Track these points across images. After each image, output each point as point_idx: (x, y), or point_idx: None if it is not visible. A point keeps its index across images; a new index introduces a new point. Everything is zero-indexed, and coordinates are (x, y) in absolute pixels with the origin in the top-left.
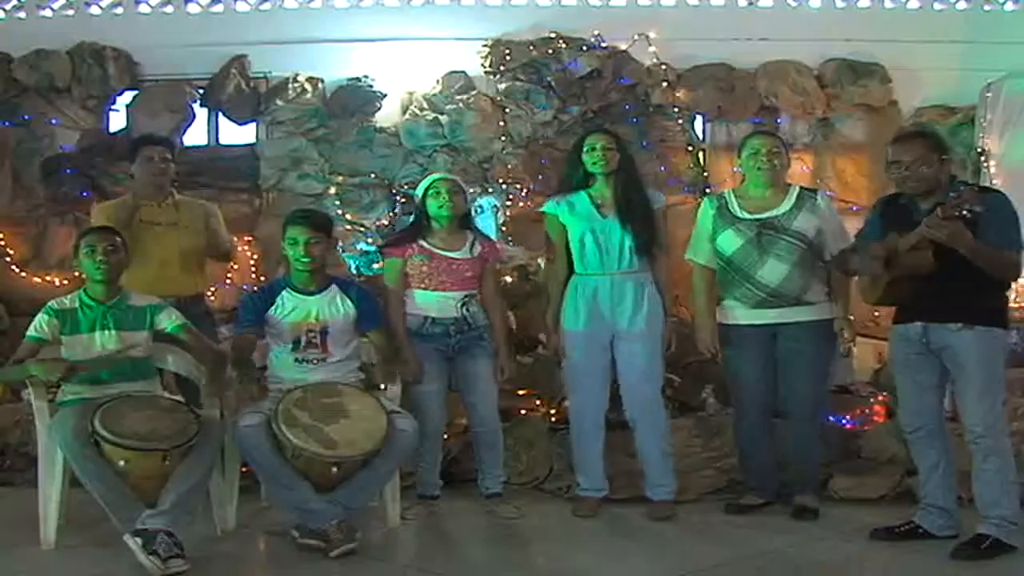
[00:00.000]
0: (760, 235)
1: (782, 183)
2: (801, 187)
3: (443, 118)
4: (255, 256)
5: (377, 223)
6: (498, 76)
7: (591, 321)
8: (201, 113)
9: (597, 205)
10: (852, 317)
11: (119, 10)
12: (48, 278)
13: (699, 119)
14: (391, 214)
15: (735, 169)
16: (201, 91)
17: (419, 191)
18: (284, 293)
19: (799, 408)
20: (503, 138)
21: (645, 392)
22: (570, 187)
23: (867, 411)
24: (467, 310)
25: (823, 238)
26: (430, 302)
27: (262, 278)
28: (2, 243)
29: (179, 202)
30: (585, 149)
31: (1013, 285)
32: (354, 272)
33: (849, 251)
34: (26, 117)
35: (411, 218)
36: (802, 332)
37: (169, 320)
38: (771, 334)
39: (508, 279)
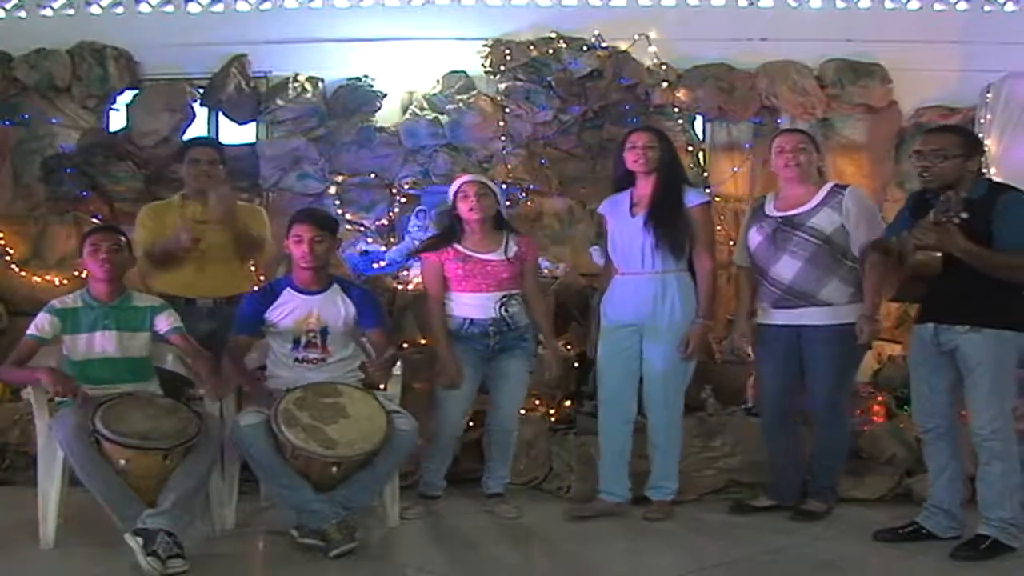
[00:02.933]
0: (776, 231)
1: (814, 180)
2: (835, 184)
3: (443, 118)
4: None
5: (377, 223)
6: (498, 76)
7: (617, 321)
8: (201, 113)
9: (633, 204)
10: (879, 318)
11: (119, 9)
12: (48, 277)
13: (699, 119)
14: (391, 214)
15: (735, 169)
16: (201, 91)
17: (449, 194)
18: (285, 293)
19: (817, 412)
20: (503, 138)
21: (658, 393)
22: (616, 185)
23: (867, 411)
24: (506, 311)
25: (846, 236)
26: (468, 304)
27: (261, 278)
28: (2, 242)
29: None
30: (627, 146)
31: None
32: (353, 272)
33: (869, 245)
34: (26, 117)
35: (411, 218)
36: (821, 335)
37: (166, 323)
38: (796, 335)
39: None
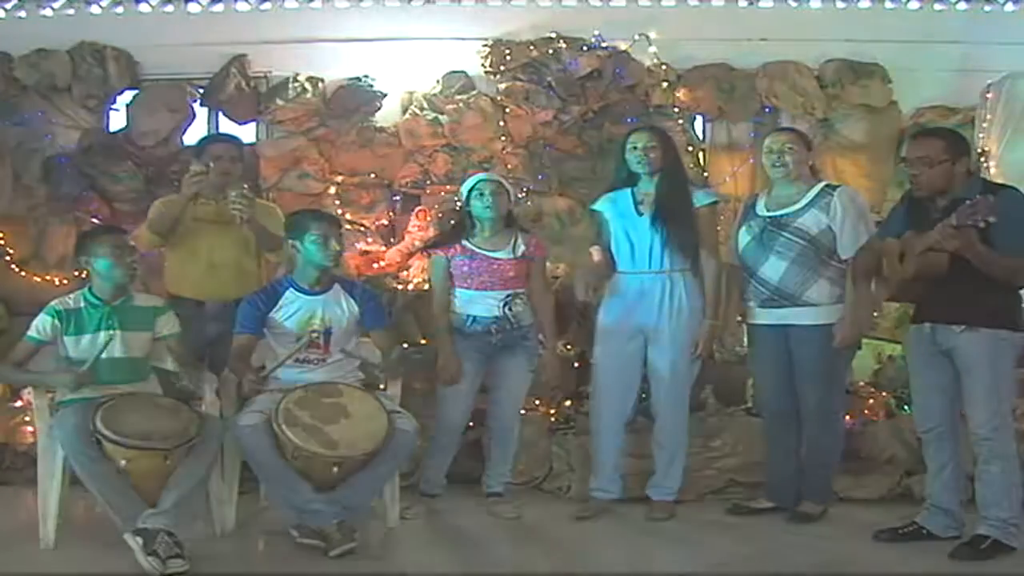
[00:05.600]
0: (764, 232)
1: (805, 179)
2: (826, 184)
3: (443, 118)
4: None
5: (377, 223)
6: (498, 76)
7: (620, 320)
8: (201, 112)
9: (637, 203)
10: (878, 313)
11: (119, 9)
12: (48, 278)
13: (699, 119)
14: (391, 214)
15: (735, 169)
16: (201, 91)
17: (463, 192)
18: (288, 294)
19: (806, 412)
20: (503, 138)
21: (666, 394)
22: (616, 184)
23: (867, 411)
24: (509, 309)
25: (832, 237)
26: (472, 301)
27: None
28: (2, 243)
29: None
30: (628, 147)
31: None
32: (353, 272)
33: (864, 247)
34: (26, 117)
35: (412, 217)
36: (808, 335)
37: (166, 327)
38: (784, 335)
39: None
